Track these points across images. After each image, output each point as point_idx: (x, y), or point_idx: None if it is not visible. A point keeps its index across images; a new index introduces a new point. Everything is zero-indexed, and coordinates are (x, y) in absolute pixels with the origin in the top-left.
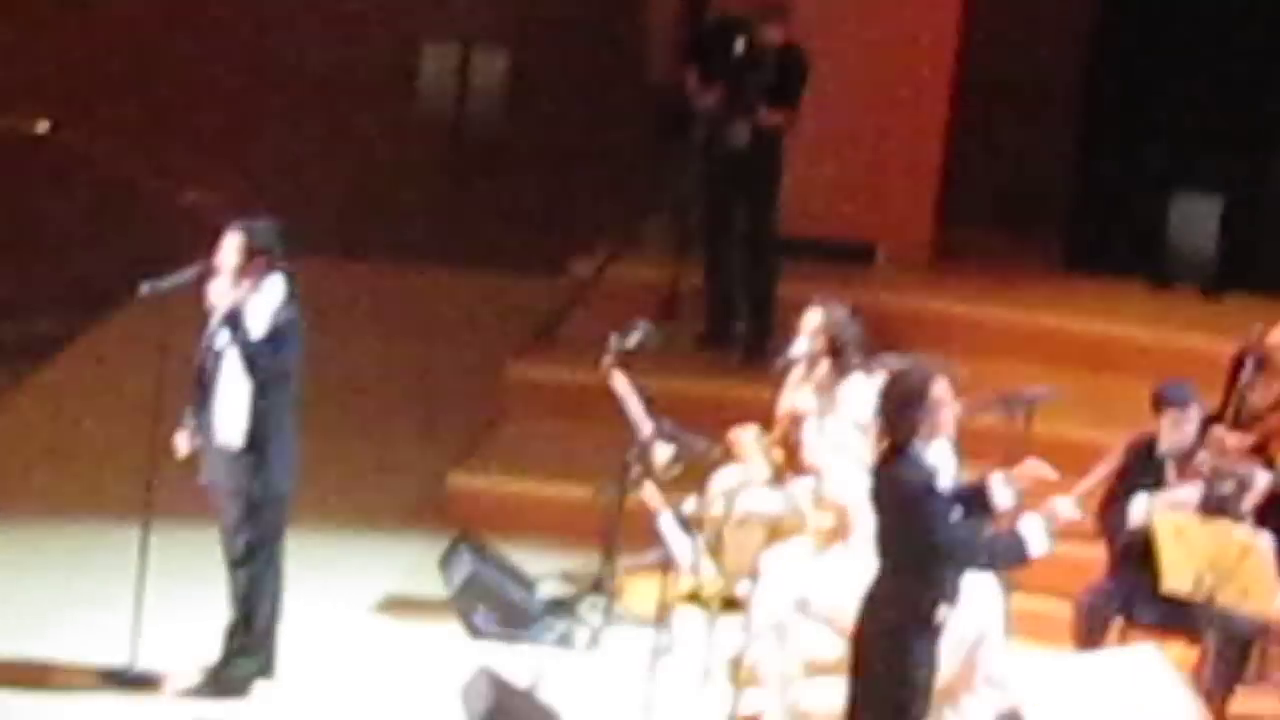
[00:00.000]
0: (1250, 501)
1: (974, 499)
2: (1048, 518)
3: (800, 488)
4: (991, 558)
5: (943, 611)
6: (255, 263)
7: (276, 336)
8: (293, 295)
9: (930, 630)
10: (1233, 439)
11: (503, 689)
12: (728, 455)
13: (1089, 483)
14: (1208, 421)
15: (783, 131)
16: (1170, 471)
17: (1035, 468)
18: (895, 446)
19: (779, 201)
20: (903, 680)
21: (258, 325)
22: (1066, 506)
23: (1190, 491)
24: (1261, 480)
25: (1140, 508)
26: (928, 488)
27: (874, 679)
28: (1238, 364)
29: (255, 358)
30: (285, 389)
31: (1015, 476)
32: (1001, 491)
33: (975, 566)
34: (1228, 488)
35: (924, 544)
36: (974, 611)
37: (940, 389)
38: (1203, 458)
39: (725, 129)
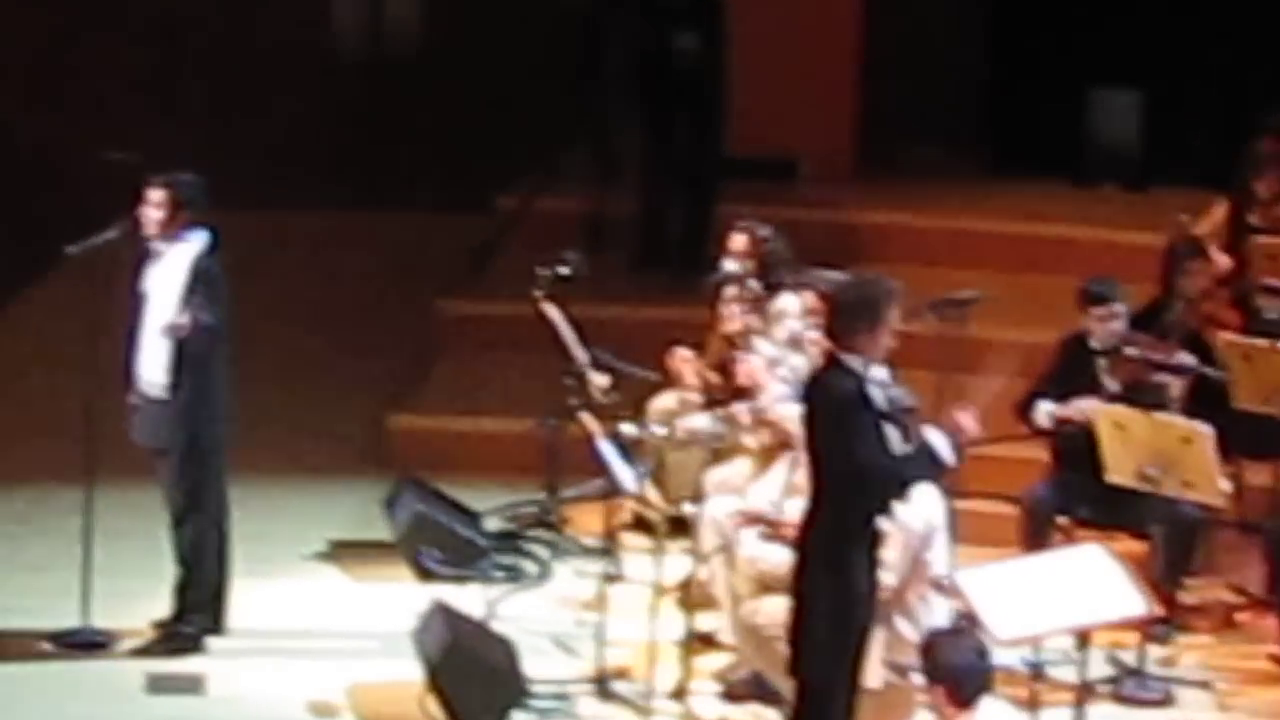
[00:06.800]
0: (1176, 389)
1: (920, 454)
2: (952, 432)
3: (738, 407)
4: (909, 477)
5: (879, 521)
6: (178, 217)
7: (195, 288)
8: (215, 249)
9: (868, 538)
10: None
11: (457, 625)
12: (665, 379)
13: (985, 394)
14: (1139, 316)
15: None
16: (1102, 365)
17: (969, 420)
18: (832, 356)
19: (724, 119)
20: (843, 589)
21: (176, 278)
22: (969, 422)
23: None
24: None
25: (1043, 411)
26: (858, 398)
27: (815, 588)
28: (1170, 255)
29: (177, 309)
30: (208, 341)
31: (954, 429)
32: (947, 452)
33: (895, 491)
34: (1158, 379)
35: (848, 463)
36: (918, 512)
37: (894, 312)
38: (1133, 350)
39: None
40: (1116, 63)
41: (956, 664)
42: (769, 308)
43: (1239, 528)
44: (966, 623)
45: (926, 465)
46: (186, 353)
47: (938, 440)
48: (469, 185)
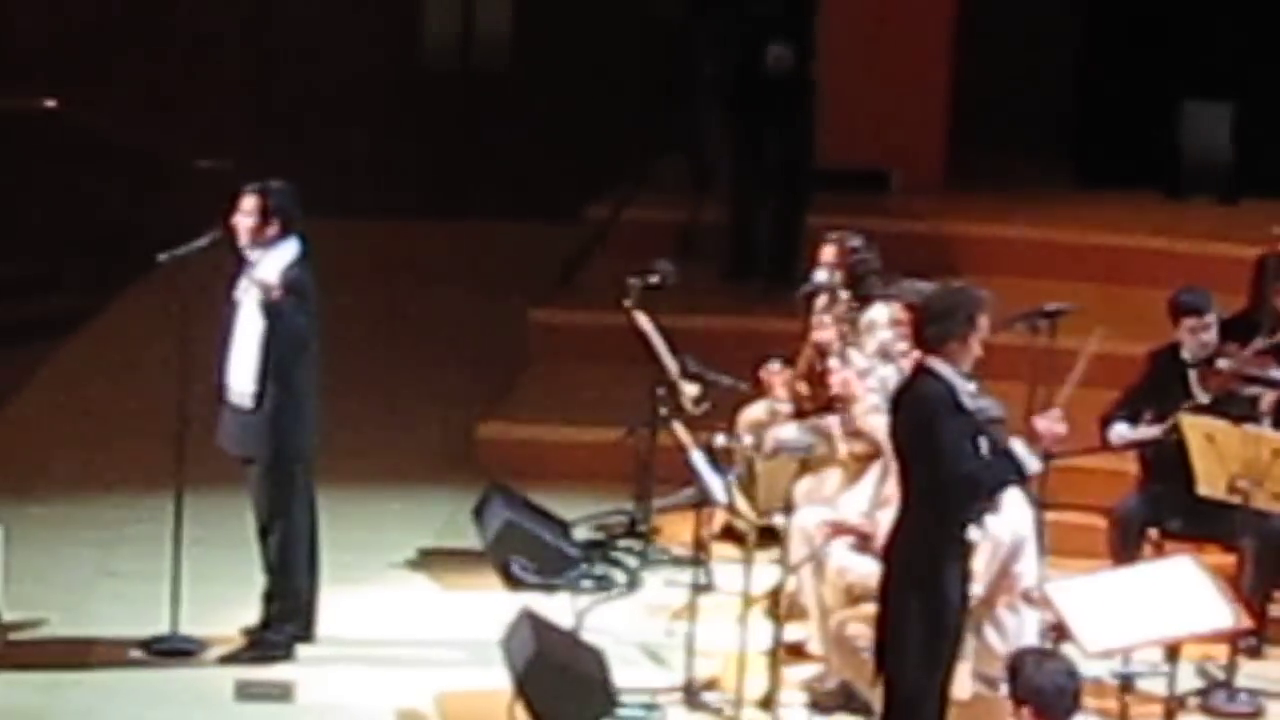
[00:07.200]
0: (1267, 402)
1: (1002, 460)
2: (1030, 438)
3: (829, 418)
4: (992, 486)
5: (970, 531)
6: (269, 225)
7: (285, 295)
8: (306, 257)
9: (958, 548)
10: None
11: (545, 633)
12: (756, 389)
13: (1067, 392)
14: (1228, 325)
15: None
16: (1193, 378)
17: (1049, 426)
18: (921, 364)
19: (815, 130)
20: (932, 598)
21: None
22: (1045, 423)
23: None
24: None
25: (1116, 433)
26: (950, 402)
27: (904, 598)
28: (1261, 267)
29: (269, 314)
30: (295, 350)
31: (1035, 437)
32: (1030, 459)
33: (978, 500)
34: (1249, 391)
35: (934, 471)
36: (1005, 523)
37: (984, 320)
38: (1225, 362)
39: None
40: (1208, 75)
41: (1042, 685)
42: (860, 319)
43: None
44: (1054, 639)
45: (1010, 472)
46: (274, 362)
47: (1020, 449)
48: (559, 195)
